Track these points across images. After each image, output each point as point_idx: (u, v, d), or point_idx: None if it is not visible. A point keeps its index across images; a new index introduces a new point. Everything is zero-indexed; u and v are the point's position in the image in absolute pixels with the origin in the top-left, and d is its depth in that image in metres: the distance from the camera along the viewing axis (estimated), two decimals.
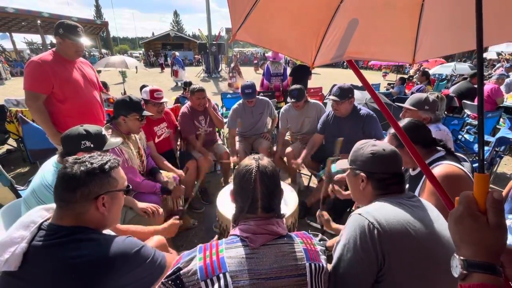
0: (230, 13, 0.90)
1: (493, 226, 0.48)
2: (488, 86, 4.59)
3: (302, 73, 5.34)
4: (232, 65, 10.90)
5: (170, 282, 0.76)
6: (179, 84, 11.83)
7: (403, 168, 1.64)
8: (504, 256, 0.51)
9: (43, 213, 0.93)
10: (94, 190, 0.91)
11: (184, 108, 2.97)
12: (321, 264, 0.82)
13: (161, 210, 1.91)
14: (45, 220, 0.91)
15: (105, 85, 5.32)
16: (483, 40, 0.48)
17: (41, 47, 24.66)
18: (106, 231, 1.08)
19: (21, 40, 27.13)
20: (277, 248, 0.81)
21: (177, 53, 13.43)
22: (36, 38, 26.28)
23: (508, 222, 1.51)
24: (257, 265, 0.76)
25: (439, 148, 1.48)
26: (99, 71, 14.13)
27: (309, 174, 3.24)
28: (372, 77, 15.25)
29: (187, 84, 5.04)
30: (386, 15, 1.07)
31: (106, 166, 0.95)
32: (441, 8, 1.01)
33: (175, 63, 12.43)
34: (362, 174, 1.05)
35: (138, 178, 1.98)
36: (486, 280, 0.46)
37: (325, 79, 13.25)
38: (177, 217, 1.63)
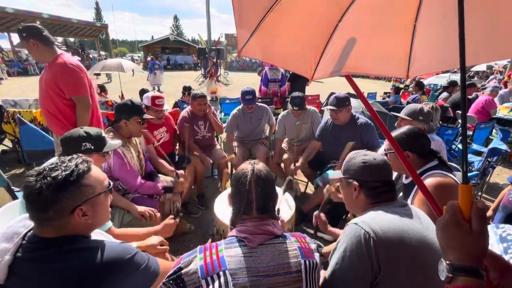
0: (236, 31, 0.97)
1: (476, 232, 0.52)
2: (482, 97, 4.69)
3: (300, 79, 5.43)
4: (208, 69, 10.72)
5: (171, 281, 0.79)
6: (156, 88, 11.69)
7: (396, 175, 1.69)
8: (488, 260, 0.55)
9: (26, 222, 0.87)
10: (67, 205, 0.82)
11: (184, 113, 2.99)
12: (315, 261, 0.87)
13: (158, 214, 1.92)
14: (29, 230, 0.86)
15: (103, 88, 5.33)
16: (465, 59, 0.52)
17: None
18: (102, 235, 1.07)
19: (19, 40, 27.03)
20: (273, 247, 0.85)
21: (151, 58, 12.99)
22: None
23: (499, 231, 1.55)
24: (256, 263, 0.81)
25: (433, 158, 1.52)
26: (98, 74, 14.06)
27: (306, 180, 3.27)
28: (369, 85, 15.46)
29: (187, 89, 5.07)
30: (381, 34, 1.14)
31: (73, 177, 0.83)
32: (432, 29, 1.08)
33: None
34: (355, 182, 1.09)
35: (137, 182, 1.99)
36: (470, 282, 0.50)
37: (323, 86, 13.39)
38: (172, 216, 1.62)
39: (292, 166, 2.76)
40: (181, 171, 2.49)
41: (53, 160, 1.39)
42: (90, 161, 0.93)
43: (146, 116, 2.09)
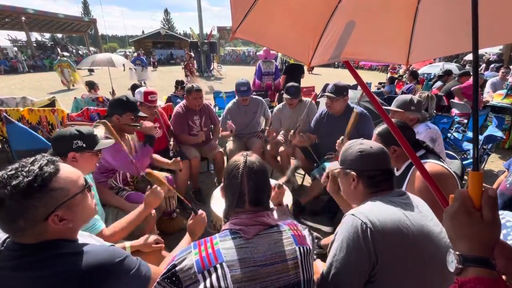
0: (231, 11, 0.91)
1: (488, 221, 0.50)
2: (465, 83, 4.79)
3: (295, 71, 5.38)
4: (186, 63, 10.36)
5: (166, 280, 0.77)
6: (143, 83, 11.45)
7: None
8: (496, 248, 0.53)
9: None
10: (37, 213, 0.73)
11: (178, 108, 2.93)
12: (308, 247, 0.88)
13: (153, 211, 1.88)
14: (9, 236, 0.80)
15: (91, 85, 5.19)
16: (478, 42, 0.49)
17: (26, 45, 23.93)
18: (92, 238, 1.02)
19: (4, 37, 26.32)
20: (268, 236, 0.85)
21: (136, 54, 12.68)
22: (21, 35, 25.52)
23: None
24: (252, 254, 0.80)
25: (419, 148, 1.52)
26: (91, 70, 13.67)
27: (303, 173, 3.26)
28: (363, 76, 15.41)
29: (179, 83, 4.98)
30: (381, 17, 1.10)
31: (37, 182, 0.74)
32: (435, 11, 1.04)
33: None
34: (352, 173, 1.07)
35: (130, 161, 1.89)
36: (481, 274, 0.47)
37: (319, 78, 13.34)
38: (155, 186, 1.48)
39: (289, 137, 2.68)
40: (178, 158, 2.43)
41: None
42: (57, 160, 0.83)
43: (140, 114, 2.03)
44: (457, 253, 0.50)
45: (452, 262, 0.50)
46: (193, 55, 12.35)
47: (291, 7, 1.00)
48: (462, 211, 0.52)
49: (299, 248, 0.85)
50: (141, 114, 2.05)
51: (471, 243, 0.50)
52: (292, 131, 2.68)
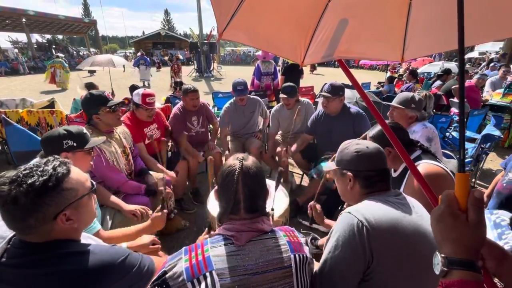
0: (214, 12, 0.88)
1: (473, 224, 0.50)
2: (467, 84, 4.75)
3: (294, 72, 5.36)
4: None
5: (156, 287, 0.76)
6: (145, 83, 11.48)
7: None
8: (485, 249, 0.52)
9: None
10: (48, 211, 0.77)
11: (176, 109, 2.92)
12: (305, 255, 0.84)
13: (150, 212, 1.88)
14: (15, 234, 0.82)
15: (92, 86, 5.17)
16: (464, 39, 0.48)
17: (26, 46, 23.97)
18: (91, 239, 1.04)
19: (5, 38, 26.41)
20: (261, 243, 0.82)
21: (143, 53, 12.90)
22: (22, 37, 25.59)
23: (493, 217, 1.55)
24: (244, 261, 0.78)
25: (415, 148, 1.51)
26: (92, 71, 13.57)
27: (301, 173, 3.25)
28: (363, 75, 15.42)
29: (178, 84, 4.97)
30: (374, 14, 1.08)
31: (51, 182, 0.77)
32: (428, 8, 1.02)
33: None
34: (349, 173, 1.07)
35: (120, 178, 1.92)
36: (466, 277, 0.47)
37: (318, 78, 13.31)
38: (159, 208, 1.53)
39: (283, 154, 2.73)
40: (172, 173, 2.45)
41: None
42: (69, 162, 0.87)
43: (112, 102, 1.93)
44: (442, 255, 0.50)
45: (437, 265, 0.50)
46: (181, 57, 12.40)
47: (280, 5, 0.98)
48: (447, 213, 0.51)
49: (295, 256, 0.81)
50: (114, 101, 1.94)
51: (456, 245, 0.50)
52: (284, 149, 2.73)
